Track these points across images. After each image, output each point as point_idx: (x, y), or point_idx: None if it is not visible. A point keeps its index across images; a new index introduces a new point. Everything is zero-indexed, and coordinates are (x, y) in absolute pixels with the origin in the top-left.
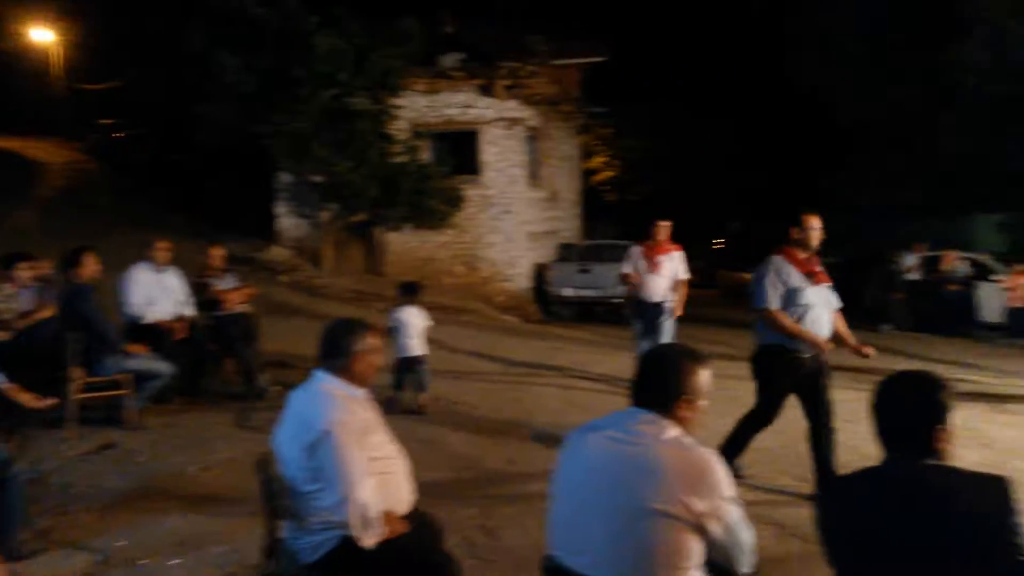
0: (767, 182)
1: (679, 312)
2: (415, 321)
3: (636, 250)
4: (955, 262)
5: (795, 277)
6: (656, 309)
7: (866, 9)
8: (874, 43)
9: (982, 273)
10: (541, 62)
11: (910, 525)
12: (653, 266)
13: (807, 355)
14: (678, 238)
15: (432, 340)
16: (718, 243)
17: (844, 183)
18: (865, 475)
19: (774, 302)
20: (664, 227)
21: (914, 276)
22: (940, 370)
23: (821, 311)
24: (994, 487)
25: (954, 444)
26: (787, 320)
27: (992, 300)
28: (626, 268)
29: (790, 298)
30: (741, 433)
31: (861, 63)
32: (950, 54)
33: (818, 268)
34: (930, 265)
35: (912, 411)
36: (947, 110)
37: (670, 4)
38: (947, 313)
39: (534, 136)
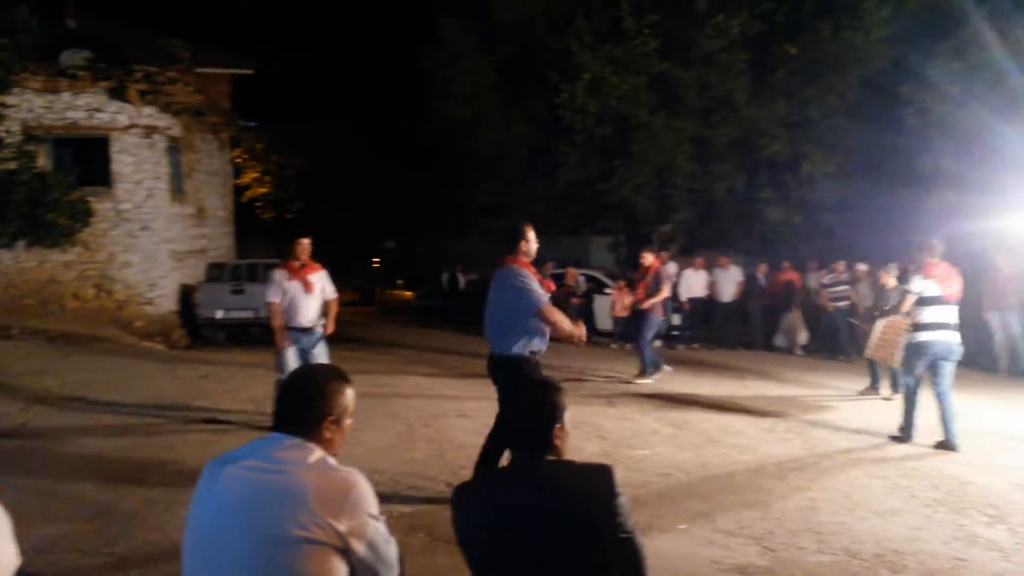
0: (420, 203)
1: (332, 330)
2: None
3: (280, 274)
4: (577, 278)
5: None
6: (310, 333)
7: (499, 50)
8: (507, 84)
9: (598, 287)
10: (183, 69)
11: (534, 519)
12: (306, 287)
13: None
14: (337, 257)
15: (55, 373)
16: (375, 261)
17: (484, 207)
18: (494, 476)
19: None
20: (306, 246)
21: None
22: (567, 373)
23: None
24: (600, 475)
25: (571, 440)
26: (560, 315)
27: (605, 311)
28: (273, 296)
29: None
30: (496, 446)
31: (496, 101)
32: (565, 97)
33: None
34: (556, 281)
35: (533, 414)
36: (566, 146)
37: (324, 26)
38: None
39: (177, 147)
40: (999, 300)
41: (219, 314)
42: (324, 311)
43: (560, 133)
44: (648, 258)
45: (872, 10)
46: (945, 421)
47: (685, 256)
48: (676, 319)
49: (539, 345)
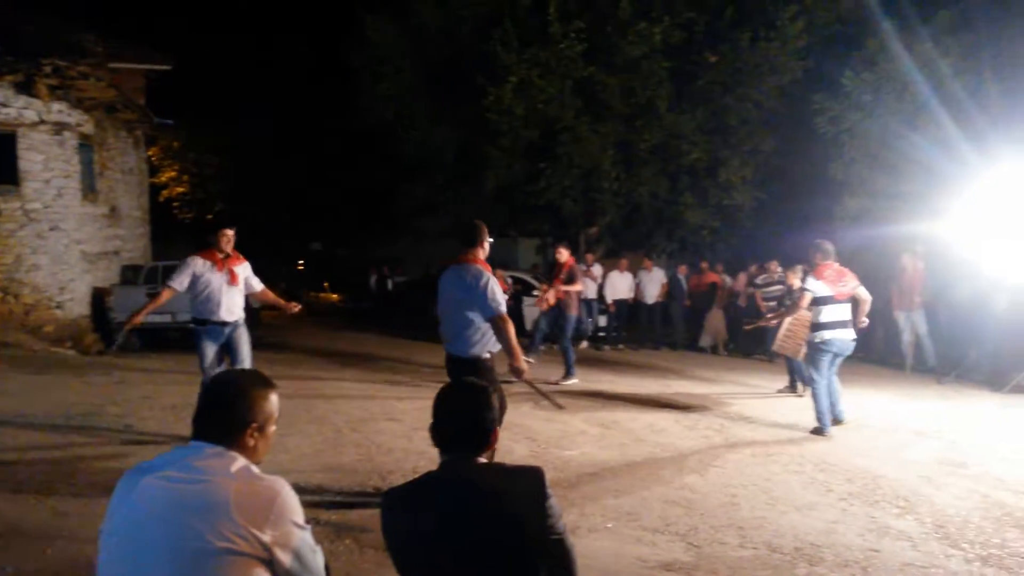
0: (345, 204)
1: (296, 306)
2: None
3: (200, 263)
4: (505, 279)
5: None
6: (233, 328)
7: (425, 51)
8: (432, 86)
9: (526, 289)
10: (96, 63)
11: (465, 522)
12: (231, 279)
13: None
14: (261, 259)
15: None
16: (300, 263)
17: (412, 209)
18: (424, 479)
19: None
20: (231, 236)
21: None
22: (500, 376)
23: None
24: (531, 477)
25: (501, 442)
26: (512, 329)
27: (533, 313)
28: (178, 283)
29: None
30: None
31: (421, 104)
32: (492, 100)
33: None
34: None
35: (469, 416)
36: (493, 148)
37: (248, 23)
38: None
39: (89, 144)
40: (905, 300)
41: None
42: (248, 304)
43: (487, 135)
44: (564, 254)
45: (788, 22)
46: (833, 402)
47: (610, 258)
48: (602, 320)
49: (496, 345)
